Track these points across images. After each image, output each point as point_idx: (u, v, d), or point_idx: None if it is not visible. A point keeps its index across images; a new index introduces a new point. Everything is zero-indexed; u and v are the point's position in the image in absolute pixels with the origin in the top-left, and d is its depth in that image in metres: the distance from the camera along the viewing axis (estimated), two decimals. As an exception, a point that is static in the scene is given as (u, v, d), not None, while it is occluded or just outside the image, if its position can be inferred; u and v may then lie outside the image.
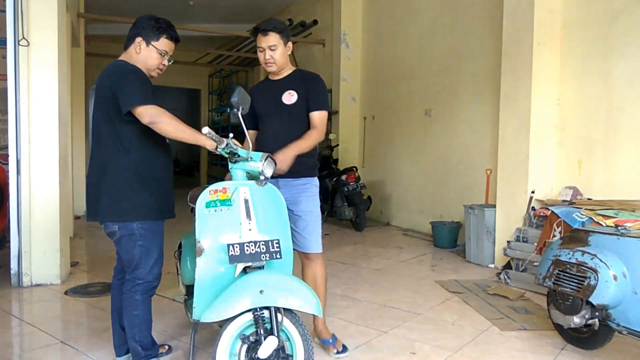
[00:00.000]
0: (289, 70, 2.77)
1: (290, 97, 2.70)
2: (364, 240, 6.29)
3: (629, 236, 2.57)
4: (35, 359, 2.76)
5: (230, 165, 2.32)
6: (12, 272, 4.12)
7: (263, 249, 2.20)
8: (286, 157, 2.45)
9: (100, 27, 9.93)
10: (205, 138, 2.22)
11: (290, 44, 2.72)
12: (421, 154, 6.72)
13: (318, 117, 2.70)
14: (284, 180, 2.64)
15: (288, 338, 2.15)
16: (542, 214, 4.28)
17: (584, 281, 2.59)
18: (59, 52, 4.18)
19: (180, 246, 2.89)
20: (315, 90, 2.71)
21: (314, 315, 2.72)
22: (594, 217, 3.69)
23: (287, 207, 2.38)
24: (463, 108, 5.98)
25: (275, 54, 2.64)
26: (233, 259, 2.15)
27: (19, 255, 4.10)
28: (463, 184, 5.94)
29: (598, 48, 4.33)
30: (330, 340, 2.72)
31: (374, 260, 5.15)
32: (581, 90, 4.47)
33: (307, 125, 2.71)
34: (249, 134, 2.47)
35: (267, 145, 2.52)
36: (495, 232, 4.83)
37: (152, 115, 2.18)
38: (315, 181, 2.79)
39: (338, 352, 2.70)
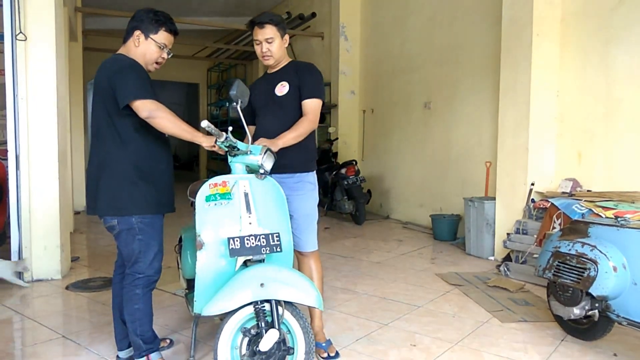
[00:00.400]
0: (284, 62, 2.73)
1: (282, 89, 2.65)
2: (363, 234, 6.30)
3: (629, 227, 2.57)
4: (37, 354, 2.77)
5: (229, 159, 2.31)
6: (12, 267, 4.13)
7: (263, 242, 2.20)
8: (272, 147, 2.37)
9: (98, 21, 9.89)
10: (202, 136, 2.22)
11: (287, 36, 2.69)
12: (421, 146, 6.71)
13: (309, 105, 2.61)
14: (277, 176, 2.54)
15: (289, 331, 2.15)
16: (541, 206, 4.29)
17: (583, 272, 2.59)
18: (56, 47, 4.16)
19: (180, 240, 2.89)
20: (307, 78, 2.65)
21: (310, 318, 2.72)
22: (593, 209, 3.70)
23: None
24: (462, 100, 5.97)
25: (272, 46, 2.61)
26: (233, 253, 2.15)
27: (19, 250, 4.10)
28: (463, 176, 5.94)
29: (598, 39, 4.31)
30: (324, 344, 2.67)
31: (374, 254, 5.16)
32: (581, 82, 4.45)
33: (299, 116, 2.63)
34: (249, 129, 2.44)
35: (259, 139, 2.47)
36: (495, 224, 4.84)
37: (150, 110, 2.18)
38: (310, 177, 2.72)
39: (328, 357, 2.64)
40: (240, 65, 13.03)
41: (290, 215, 2.60)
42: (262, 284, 2.06)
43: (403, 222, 6.94)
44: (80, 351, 2.79)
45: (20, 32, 3.98)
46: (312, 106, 2.62)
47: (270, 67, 2.74)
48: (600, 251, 2.57)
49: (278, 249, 2.22)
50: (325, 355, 2.64)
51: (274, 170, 2.47)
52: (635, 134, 4.07)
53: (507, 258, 4.51)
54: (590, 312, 2.67)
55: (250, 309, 2.09)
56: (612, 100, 4.21)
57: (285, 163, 2.58)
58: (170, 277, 3.78)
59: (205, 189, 2.22)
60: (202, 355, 2.70)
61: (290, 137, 2.48)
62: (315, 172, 2.78)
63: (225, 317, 2.12)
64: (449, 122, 6.18)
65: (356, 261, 4.85)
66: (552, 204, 4.11)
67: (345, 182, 6.75)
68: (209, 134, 2.16)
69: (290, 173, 2.65)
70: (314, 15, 8.80)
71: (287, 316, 2.13)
